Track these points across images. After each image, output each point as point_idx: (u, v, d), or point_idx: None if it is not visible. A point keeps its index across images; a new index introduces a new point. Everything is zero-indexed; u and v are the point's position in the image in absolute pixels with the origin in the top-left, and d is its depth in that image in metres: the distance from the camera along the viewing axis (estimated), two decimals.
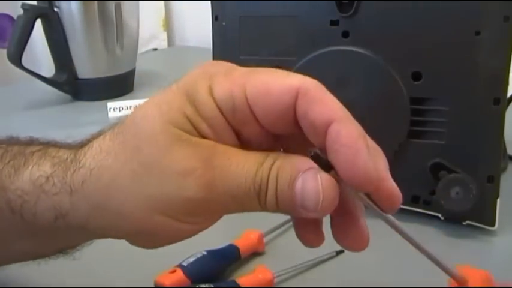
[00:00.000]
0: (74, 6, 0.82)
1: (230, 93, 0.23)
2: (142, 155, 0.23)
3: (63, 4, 0.82)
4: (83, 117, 0.81)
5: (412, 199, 0.47)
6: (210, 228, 0.47)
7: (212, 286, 0.35)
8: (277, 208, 0.23)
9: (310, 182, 0.22)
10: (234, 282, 0.37)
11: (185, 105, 0.23)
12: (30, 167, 0.26)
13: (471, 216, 0.45)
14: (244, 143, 0.24)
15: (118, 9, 0.87)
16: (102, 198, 0.24)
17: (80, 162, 0.25)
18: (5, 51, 0.80)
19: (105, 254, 0.43)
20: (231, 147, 0.23)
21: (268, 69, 0.24)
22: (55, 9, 0.82)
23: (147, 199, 0.23)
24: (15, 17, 0.81)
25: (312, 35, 0.46)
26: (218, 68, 0.26)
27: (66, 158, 0.26)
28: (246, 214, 0.50)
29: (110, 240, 0.46)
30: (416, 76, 0.44)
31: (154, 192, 0.23)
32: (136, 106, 0.26)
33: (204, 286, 0.35)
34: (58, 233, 0.26)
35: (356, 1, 0.44)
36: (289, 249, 0.44)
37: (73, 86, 0.87)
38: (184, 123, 0.23)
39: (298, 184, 0.22)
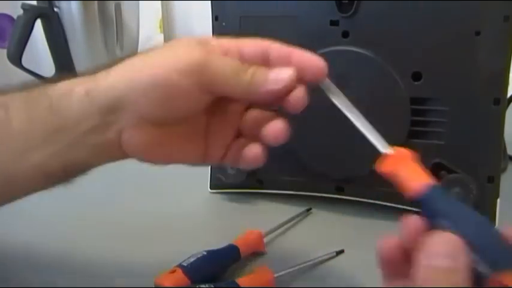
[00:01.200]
0: (74, 6, 0.82)
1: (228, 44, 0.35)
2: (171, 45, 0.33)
3: (63, 4, 0.82)
4: None
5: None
6: (210, 228, 0.47)
7: (212, 286, 0.35)
8: (249, 85, 0.31)
9: (283, 70, 0.32)
10: (234, 282, 0.37)
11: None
12: (64, 83, 0.33)
13: None
14: None
15: (118, 9, 0.87)
16: (131, 66, 0.33)
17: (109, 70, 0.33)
18: (5, 51, 0.80)
19: (106, 254, 0.43)
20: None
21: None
22: (55, 9, 0.82)
23: (165, 61, 0.31)
24: (15, 17, 0.81)
25: (312, 35, 0.46)
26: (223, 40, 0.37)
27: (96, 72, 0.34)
28: (246, 214, 0.50)
29: (110, 239, 0.46)
30: (416, 76, 0.44)
31: (171, 57, 0.31)
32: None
33: (204, 286, 0.35)
34: (76, 117, 0.31)
35: (356, 1, 0.44)
36: (289, 249, 0.44)
37: None
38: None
39: (272, 75, 0.32)
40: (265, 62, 0.33)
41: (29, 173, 0.32)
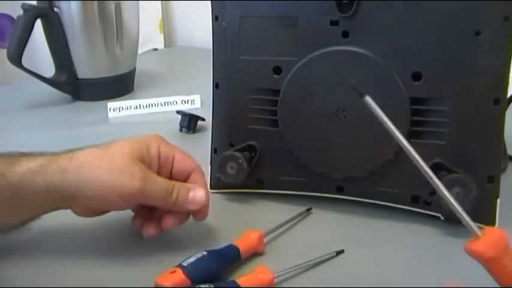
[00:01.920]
0: (74, 6, 0.82)
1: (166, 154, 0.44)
2: (114, 160, 0.41)
3: (63, 4, 0.82)
4: (83, 117, 0.81)
5: (412, 199, 0.47)
6: (210, 228, 0.47)
7: (212, 286, 0.35)
8: (175, 204, 0.41)
9: (198, 193, 0.43)
10: (234, 282, 0.37)
11: (144, 148, 0.43)
12: (24, 163, 0.40)
13: (471, 216, 0.44)
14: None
15: (118, 9, 0.87)
16: (84, 177, 0.40)
17: (72, 157, 0.40)
18: (5, 51, 0.80)
19: (106, 254, 0.43)
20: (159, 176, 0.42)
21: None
22: (55, 9, 0.82)
23: (106, 182, 0.40)
24: (15, 17, 0.81)
25: (312, 35, 0.46)
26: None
27: (58, 156, 0.41)
28: (246, 214, 0.50)
29: (110, 240, 0.46)
30: (416, 76, 0.44)
31: (113, 179, 0.40)
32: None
33: (204, 286, 0.35)
34: (37, 200, 0.40)
35: (356, 1, 0.44)
36: (289, 249, 0.44)
37: (73, 86, 0.87)
38: (141, 155, 0.42)
39: (191, 194, 0.42)
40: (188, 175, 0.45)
41: None
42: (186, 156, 0.45)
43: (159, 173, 0.43)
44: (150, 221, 0.43)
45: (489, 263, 0.30)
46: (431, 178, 0.33)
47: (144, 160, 0.41)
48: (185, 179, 0.44)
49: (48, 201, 0.40)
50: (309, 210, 0.49)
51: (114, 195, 0.39)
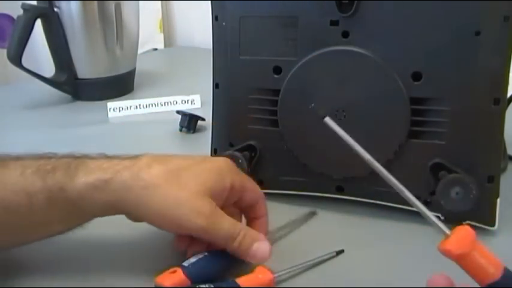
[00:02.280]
0: (74, 6, 0.82)
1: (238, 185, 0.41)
2: (184, 190, 0.38)
3: (63, 4, 0.82)
4: (83, 117, 0.81)
5: None
6: None
7: (212, 286, 0.35)
8: (238, 248, 0.38)
9: (262, 246, 0.39)
10: (234, 282, 0.37)
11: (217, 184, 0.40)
12: (82, 177, 0.37)
13: (471, 216, 0.45)
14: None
15: (118, 9, 0.87)
16: (150, 202, 0.38)
17: (138, 175, 0.38)
18: (5, 51, 0.80)
19: (106, 254, 0.43)
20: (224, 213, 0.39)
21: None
22: (55, 9, 0.82)
23: (174, 215, 0.38)
24: (15, 17, 0.81)
25: (312, 35, 0.46)
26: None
27: (122, 168, 0.38)
28: None
29: (110, 241, 0.46)
30: (416, 76, 0.44)
31: (178, 212, 0.38)
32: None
33: (204, 286, 0.35)
34: (95, 214, 0.39)
35: (356, 1, 0.44)
36: (289, 249, 0.44)
37: (73, 86, 0.87)
38: (213, 191, 0.39)
39: (255, 246, 0.39)
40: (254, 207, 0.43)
41: (46, 235, 0.40)
42: (255, 186, 0.43)
43: (224, 204, 0.40)
44: (196, 242, 0.40)
45: (460, 260, 0.31)
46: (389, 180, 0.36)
47: (215, 193, 0.39)
48: (249, 207, 0.43)
49: (106, 214, 0.39)
50: (313, 213, 0.49)
51: (174, 227, 0.38)
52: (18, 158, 0.39)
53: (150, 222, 0.39)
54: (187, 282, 0.36)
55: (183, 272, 0.37)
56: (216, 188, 0.39)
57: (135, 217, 0.39)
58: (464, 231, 0.31)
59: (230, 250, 0.38)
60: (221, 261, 0.39)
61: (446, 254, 0.31)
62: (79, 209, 0.37)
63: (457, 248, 0.31)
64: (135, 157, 0.39)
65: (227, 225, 0.38)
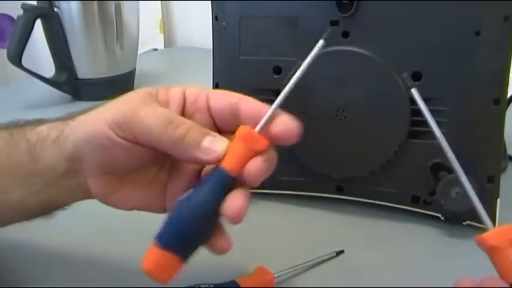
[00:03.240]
0: (74, 6, 0.82)
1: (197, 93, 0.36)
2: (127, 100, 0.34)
3: (63, 4, 0.82)
4: None
5: (412, 199, 0.47)
6: None
7: (212, 286, 0.35)
8: (179, 141, 0.31)
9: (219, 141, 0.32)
10: (234, 282, 0.37)
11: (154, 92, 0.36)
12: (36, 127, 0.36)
13: (471, 216, 0.45)
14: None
15: (118, 9, 0.87)
16: (85, 121, 0.34)
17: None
18: (5, 51, 0.80)
19: (107, 256, 0.43)
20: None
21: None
22: (55, 9, 0.82)
23: (99, 114, 0.34)
24: (15, 17, 0.81)
25: (312, 35, 0.46)
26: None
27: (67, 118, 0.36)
28: (246, 215, 0.49)
29: (112, 239, 0.46)
30: (416, 76, 0.44)
31: (111, 109, 0.34)
32: None
33: (204, 286, 0.35)
34: (49, 164, 0.34)
35: (356, 1, 0.44)
36: (289, 249, 0.44)
37: (73, 86, 0.87)
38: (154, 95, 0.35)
39: (207, 138, 0.32)
40: (235, 117, 0.34)
41: (8, 207, 0.35)
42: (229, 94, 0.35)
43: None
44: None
45: (492, 252, 0.31)
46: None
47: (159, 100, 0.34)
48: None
49: (61, 166, 0.34)
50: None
51: (103, 127, 0.32)
52: None
53: (93, 155, 0.33)
54: (165, 254, 0.30)
55: (156, 245, 0.30)
56: (160, 94, 0.35)
57: (86, 168, 0.34)
58: (506, 226, 0.31)
59: (168, 143, 0.31)
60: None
61: (480, 242, 0.31)
62: (35, 157, 0.34)
63: (493, 239, 0.31)
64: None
65: (162, 110, 0.32)
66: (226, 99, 0.34)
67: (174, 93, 0.35)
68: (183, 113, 0.35)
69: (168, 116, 0.32)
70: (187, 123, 0.32)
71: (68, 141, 0.33)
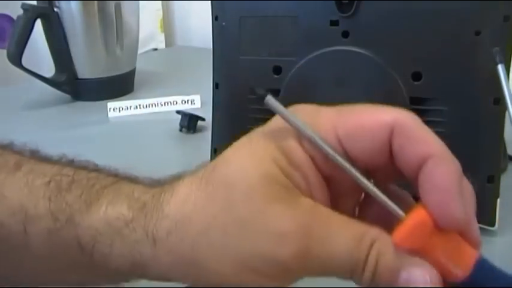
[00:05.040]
0: (74, 6, 0.82)
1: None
2: (237, 211, 0.22)
3: (63, 4, 0.82)
4: (83, 117, 0.81)
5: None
6: None
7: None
8: (371, 284, 0.22)
9: (418, 280, 0.22)
10: None
11: (276, 154, 0.23)
12: (104, 205, 0.25)
13: None
14: (335, 188, 0.24)
15: (118, 9, 0.87)
16: (188, 252, 0.23)
17: (163, 211, 0.24)
18: (5, 51, 0.80)
19: None
20: (330, 211, 0.23)
21: (358, 106, 0.24)
22: (55, 9, 0.82)
23: (238, 256, 0.22)
24: (15, 17, 0.81)
25: (312, 35, 0.46)
26: (303, 111, 0.24)
27: (147, 202, 0.24)
28: None
29: None
30: (416, 76, 0.44)
31: (246, 250, 0.22)
32: (220, 157, 0.24)
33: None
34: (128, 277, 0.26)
35: (356, 1, 0.44)
36: None
37: (73, 86, 0.87)
38: (279, 175, 0.22)
39: (405, 276, 0.22)
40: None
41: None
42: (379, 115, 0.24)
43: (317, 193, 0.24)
44: None
45: (415, 254, 0.22)
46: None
47: (286, 179, 0.23)
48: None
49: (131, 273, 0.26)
50: None
51: (252, 278, 0.22)
52: (32, 156, 0.28)
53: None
54: None
55: None
56: (284, 168, 0.23)
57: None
58: (418, 218, 0.22)
59: (349, 275, 0.22)
60: None
61: (396, 247, 0.22)
62: (92, 257, 0.25)
63: (406, 241, 0.22)
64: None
65: (344, 241, 0.22)
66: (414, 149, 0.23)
67: (300, 160, 0.23)
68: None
69: (349, 255, 0.22)
70: (366, 247, 0.22)
71: (152, 274, 0.25)
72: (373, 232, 0.22)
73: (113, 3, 0.85)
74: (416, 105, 0.44)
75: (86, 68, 0.86)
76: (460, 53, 0.43)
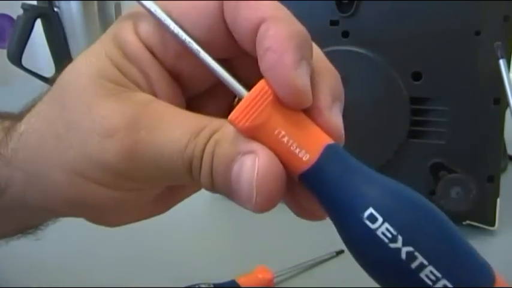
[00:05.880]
0: (74, 6, 0.82)
1: (155, 26, 0.20)
2: (67, 113, 0.20)
3: (63, 4, 0.82)
4: None
5: None
6: (211, 228, 0.46)
7: (212, 286, 0.35)
8: (213, 189, 0.19)
9: (246, 170, 0.18)
10: (234, 282, 0.37)
11: (110, 48, 0.20)
12: None
13: (471, 216, 0.45)
14: (187, 89, 0.22)
15: (118, 9, 0.87)
16: (32, 165, 0.21)
17: (16, 130, 0.22)
18: (5, 51, 0.80)
19: (107, 258, 0.43)
20: (168, 105, 0.20)
21: None
22: (55, 9, 0.82)
23: (68, 162, 0.20)
24: (15, 17, 0.81)
25: (312, 35, 0.46)
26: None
27: (7, 127, 0.23)
28: (246, 214, 0.50)
29: (111, 241, 0.46)
30: (416, 76, 0.44)
31: (75, 154, 0.20)
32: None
33: (204, 286, 0.35)
34: (4, 210, 0.24)
35: (356, 1, 0.44)
36: (289, 249, 0.44)
37: None
38: (113, 71, 0.20)
39: (236, 168, 0.18)
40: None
41: None
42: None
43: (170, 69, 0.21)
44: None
45: (254, 137, 0.18)
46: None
47: (120, 74, 0.20)
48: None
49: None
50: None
51: (83, 185, 0.20)
52: None
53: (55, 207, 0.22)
54: None
55: None
56: (119, 63, 0.20)
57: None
58: (256, 91, 0.18)
59: (186, 175, 0.19)
60: None
61: (234, 127, 0.18)
62: None
63: (243, 118, 0.18)
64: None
65: (176, 135, 0.19)
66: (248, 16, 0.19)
67: (135, 51, 0.20)
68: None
69: (180, 148, 0.19)
70: (204, 132, 0.19)
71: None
72: (215, 123, 0.19)
73: (112, 3, 0.86)
74: (417, 105, 0.45)
75: None
76: (460, 53, 0.43)
